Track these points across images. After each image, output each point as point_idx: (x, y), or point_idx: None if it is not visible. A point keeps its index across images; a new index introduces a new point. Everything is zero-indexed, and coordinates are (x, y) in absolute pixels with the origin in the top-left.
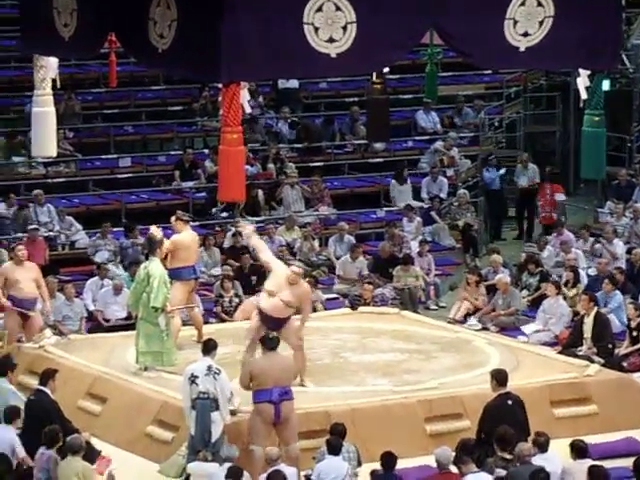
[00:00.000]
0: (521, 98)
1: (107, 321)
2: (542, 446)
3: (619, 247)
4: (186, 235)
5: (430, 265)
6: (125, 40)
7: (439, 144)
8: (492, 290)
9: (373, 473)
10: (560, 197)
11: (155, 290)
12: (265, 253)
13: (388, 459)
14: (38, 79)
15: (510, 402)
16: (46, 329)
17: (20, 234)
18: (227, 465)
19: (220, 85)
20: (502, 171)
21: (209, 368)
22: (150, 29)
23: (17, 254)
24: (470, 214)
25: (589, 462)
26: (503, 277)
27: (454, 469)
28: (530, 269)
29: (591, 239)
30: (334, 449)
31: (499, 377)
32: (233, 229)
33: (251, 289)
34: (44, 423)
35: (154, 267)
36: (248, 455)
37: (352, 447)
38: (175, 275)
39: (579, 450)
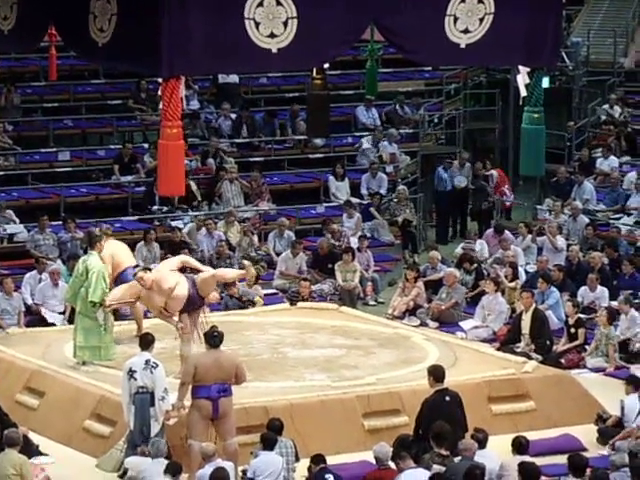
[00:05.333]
0: (461, 95)
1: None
2: (480, 442)
3: (561, 243)
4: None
5: (369, 261)
6: (65, 34)
7: (365, 141)
8: (431, 286)
9: (310, 469)
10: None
11: (93, 285)
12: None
13: (317, 459)
14: None
15: (448, 398)
16: None
17: None
18: (160, 460)
19: (160, 79)
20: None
21: (147, 362)
22: (90, 23)
23: None
24: (409, 210)
25: (527, 459)
26: (454, 271)
27: (392, 465)
28: (465, 267)
29: (529, 236)
30: (268, 444)
31: (436, 373)
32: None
33: None
34: None
35: (93, 261)
36: (186, 450)
37: (289, 442)
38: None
39: (520, 446)
